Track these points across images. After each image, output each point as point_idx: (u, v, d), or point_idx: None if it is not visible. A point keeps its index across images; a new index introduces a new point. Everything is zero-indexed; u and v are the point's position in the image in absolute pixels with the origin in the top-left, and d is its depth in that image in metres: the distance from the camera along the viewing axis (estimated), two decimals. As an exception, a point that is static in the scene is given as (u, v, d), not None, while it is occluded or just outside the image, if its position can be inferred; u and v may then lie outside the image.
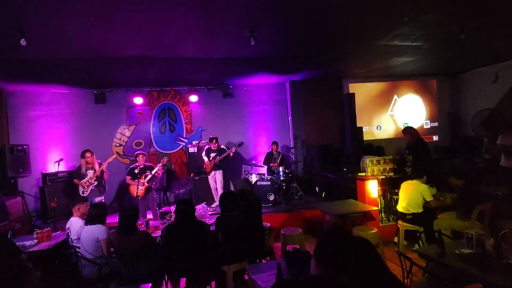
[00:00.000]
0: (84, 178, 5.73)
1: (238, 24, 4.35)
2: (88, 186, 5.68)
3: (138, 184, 5.83)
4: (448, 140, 9.30)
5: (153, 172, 5.86)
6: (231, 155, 6.86)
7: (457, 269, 2.61)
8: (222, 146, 6.99)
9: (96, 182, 5.77)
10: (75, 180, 5.79)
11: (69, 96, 7.66)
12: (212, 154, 6.85)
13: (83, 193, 5.65)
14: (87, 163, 5.76)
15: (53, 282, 3.97)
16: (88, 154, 5.76)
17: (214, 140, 6.92)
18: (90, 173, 5.76)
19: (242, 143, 7.22)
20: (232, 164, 8.24)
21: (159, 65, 6.17)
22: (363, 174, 6.03)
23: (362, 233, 4.47)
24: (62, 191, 6.61)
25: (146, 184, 5.84)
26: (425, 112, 9.34)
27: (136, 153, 6.20)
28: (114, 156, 6.30)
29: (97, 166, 5.81)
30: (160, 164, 6.02)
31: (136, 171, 5.92)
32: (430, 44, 5.95)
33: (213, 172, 6.85)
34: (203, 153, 7.00)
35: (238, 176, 8.19)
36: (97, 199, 5.66)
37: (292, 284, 1.58)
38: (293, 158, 8.02)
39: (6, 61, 5.26)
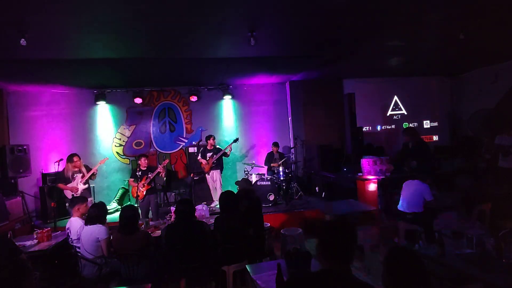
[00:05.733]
0: (70, 182, 5.58)
1: (238, 24, 4.35)
2: (77, 190, 5.60)
3: (138, 185, 5.83)
4: (448, 140, 9.30)
5: (154, 173, 5.86)
6: (228, 153, 6.86)
7: (457, 269, 2.61)
8: (217, 146, 6.99)
9: (86, 185, 5.71)
10: (60, 185, 5.58)
11: (69, 96, 7.66)
12: (209, 154, 6.85)
13: (72, 196, 5.50)
14: (74, 167, 5.64)
15: (53, 282, 3.97)
16: (76, 158, 5.63)
17: (212, 138, 6.90)
18: (78, 176, 5.65)
19: (237, 139, 7.19)
20: (232, 164, 8.26)
21: (159, 65, 6.17)
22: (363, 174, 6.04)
23: (362, 233, 4.47)
24: (61, 192, 6.56)
25: (146, 186, 5.83)
26: (424, 112, 9.34)
27: (138, 154, 6.19)
28: (107, 158, 6.21)
29: (84, 169, 5.73)
30: (161, 166, 6.01)
31: (139, 173, 5.91)
32: (430, 44, 5.95)
33: (211, 171, 6.85)
34: (199, 156, 6.99)
35: (238, 177, 8.20)
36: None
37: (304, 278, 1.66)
38: (293, 158, 8.02)
39: (6, 61, 5.27)
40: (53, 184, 6.63)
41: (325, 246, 1.70)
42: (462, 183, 6.15)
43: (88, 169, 5.77)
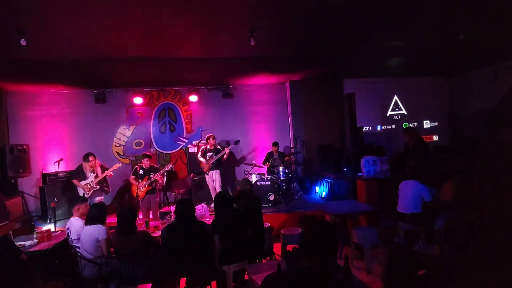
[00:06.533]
0: (84, 180, 5.71)
1: (238, 24, 4.35)
2: (89, 190, 5.67)
3: (139, 185, 5.83)
4: (448, 140, 9.30)
5: (156, 175, 5.85)
6: (225, 156, 6.85)
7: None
8: (218, 146, 7.00)
9: (98, 186, 5.76)
10: (74, 181, 5.74)
11: (69, 96, 7.65)
12: (209, 154, 6.85)
13: (83, 195, 5.62)
14: (89, 166, 5.74)
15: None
16: (91, 158, 5.73)
17: (212, 138, 6.91)
18: (91, 176, 5.73)
19: (238, 141, 7.22)
20: (232, 164, 8.25)
21: (159, 65, 6.17)
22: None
23: (362, 233, 4.48)
24: (61, 192, 6.57)
25: (147, 186, 5.83)
26: (424, 112, 9.34)
27: (142, 153, 6.20)
28: (120, 164, 6.20)
29: (99, 169, 5.78)
30: (159, 174, 5.95)
31: (141, 172, 5.91)
32: (430, 44, 5.95)
33: (210, 172, 6.85)
34: (199, 155, 6.99)
35: (238, 177, 8.20)
36: (97, 199, 5.66)
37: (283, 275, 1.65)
38: (293, 158, 8.01)
39: (6, 61, 5.27)
40: (52, 184, 6.65)
41: (306, 243, 1.69)
42: (462, 183, 6.14)
43: (103, 168, 5.82)
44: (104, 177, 5.86)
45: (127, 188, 7.57)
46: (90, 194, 5.66)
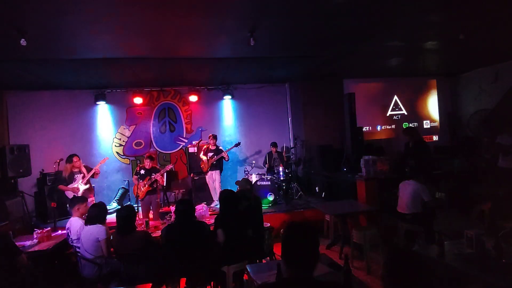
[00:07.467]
0: (71, 183, 5.63)
1: (238, 24, 4.35)
2: (79, 191, 5.62)
3: (139, 185, 5.84)
4: (448, 140, 9.30)
5: (156, 176, 5.84)
6: (226, 159, 6.85)
7: (457, 269, 2.61)
8: (220, 147, 6.99)
9: (88, 185, 5.73)
10: (61, 186, 5.60)
11: (69, 96, 7.65)
12: (210, 154, 6.84)
13: (73, 196, 5.54)
14: (74, 167, 5.67)
15: (53, 282, 3.97)
16: (75, 159, 5.65)
17: (212, 137, 6.90)
18: (79, 177, 5.68)
19: (239, 143, 7.21)
20: (232, 164, 8.25)
21: (159, 65, 6.17)
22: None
23: (362, 233, 4.48)
24: (61, 192, 6.54)
25: (147, 187, 5.83)
26: (424, 112, 9.34)
27: (146, 155, 6.20)
28: (107, 158, 6.21)
29: (84, 170, 5.74)
30: (159, 174, 5.94)
31: (142, 172, 5.91)
32: (431, 44, 5.95)
33: (210, 172, 6.84)
34: (201, 154, 6.99)
35: (238, 177, 8.19)
36: (89, 200, 5.60)
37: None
38: (293, 158, 8.01)
39: (6, 61, 5.26)
40: (53, 184, 6.63)
41: (286, 251, 1.62)
42: (462, 183, 6.14)
43: (88, 169, 5.78)
44: (89, 181, 5.80)
45: (127, 189, 7.57)
46: (81, 194, 5.61)
